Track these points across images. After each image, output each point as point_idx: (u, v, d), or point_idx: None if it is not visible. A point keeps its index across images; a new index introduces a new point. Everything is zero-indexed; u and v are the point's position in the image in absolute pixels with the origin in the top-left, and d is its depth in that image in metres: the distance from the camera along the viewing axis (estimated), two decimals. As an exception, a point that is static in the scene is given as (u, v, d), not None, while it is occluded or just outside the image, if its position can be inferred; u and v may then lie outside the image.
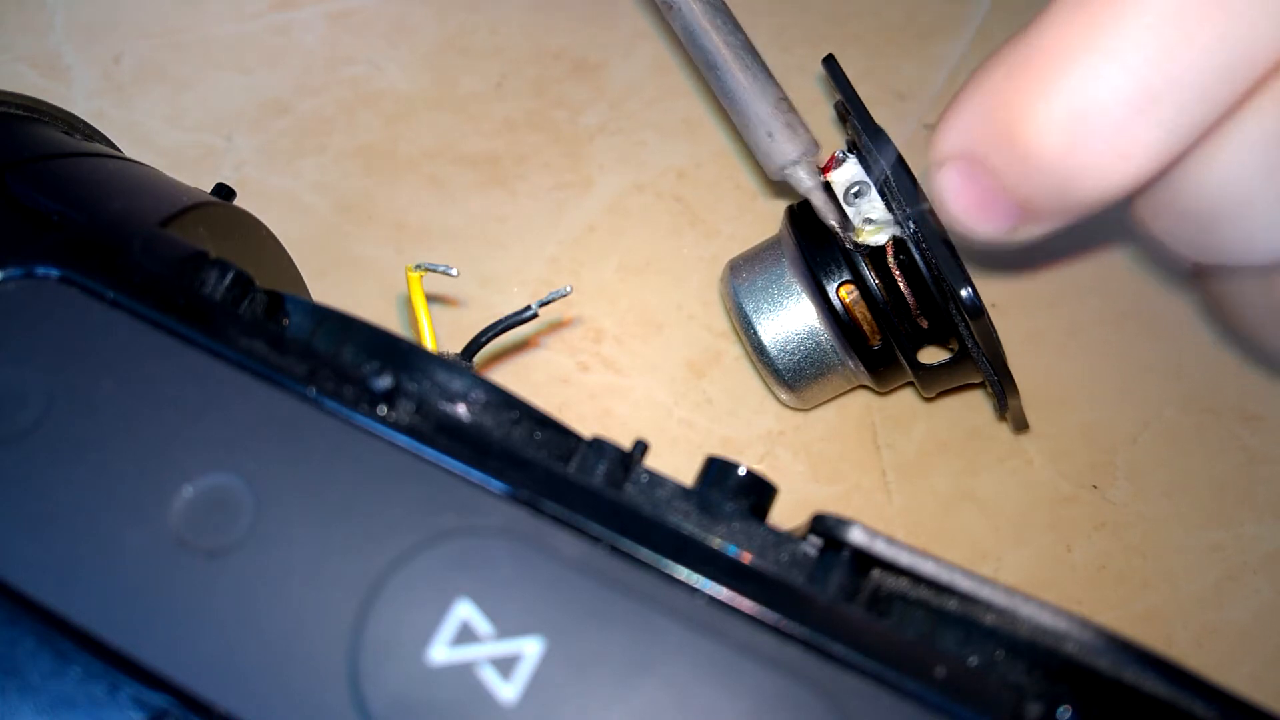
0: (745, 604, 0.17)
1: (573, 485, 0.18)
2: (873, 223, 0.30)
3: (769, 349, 0.32)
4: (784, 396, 0.33)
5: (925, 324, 0.30)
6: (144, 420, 0.18)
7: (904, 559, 0.18)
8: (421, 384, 0.19)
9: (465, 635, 0.16)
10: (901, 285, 0.30)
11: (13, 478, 0.17)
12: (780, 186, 0.37)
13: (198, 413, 0.18)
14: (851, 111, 0.30)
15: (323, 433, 0.18)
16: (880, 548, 0.18)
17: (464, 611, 0.16)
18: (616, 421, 0.34)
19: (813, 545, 0.19)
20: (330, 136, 0.38)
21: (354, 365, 0.19)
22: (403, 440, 0.18)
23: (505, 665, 0.16)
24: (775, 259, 0.32)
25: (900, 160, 0.29)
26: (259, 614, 0.16)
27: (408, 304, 0.31)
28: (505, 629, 0.16)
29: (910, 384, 0.33)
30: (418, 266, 0.28)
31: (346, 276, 0.35)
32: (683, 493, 0.19)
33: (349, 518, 0.17)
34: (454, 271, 0.28)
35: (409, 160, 0.37)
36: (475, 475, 0.18)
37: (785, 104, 0.31)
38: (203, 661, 0.16)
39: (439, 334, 0.28)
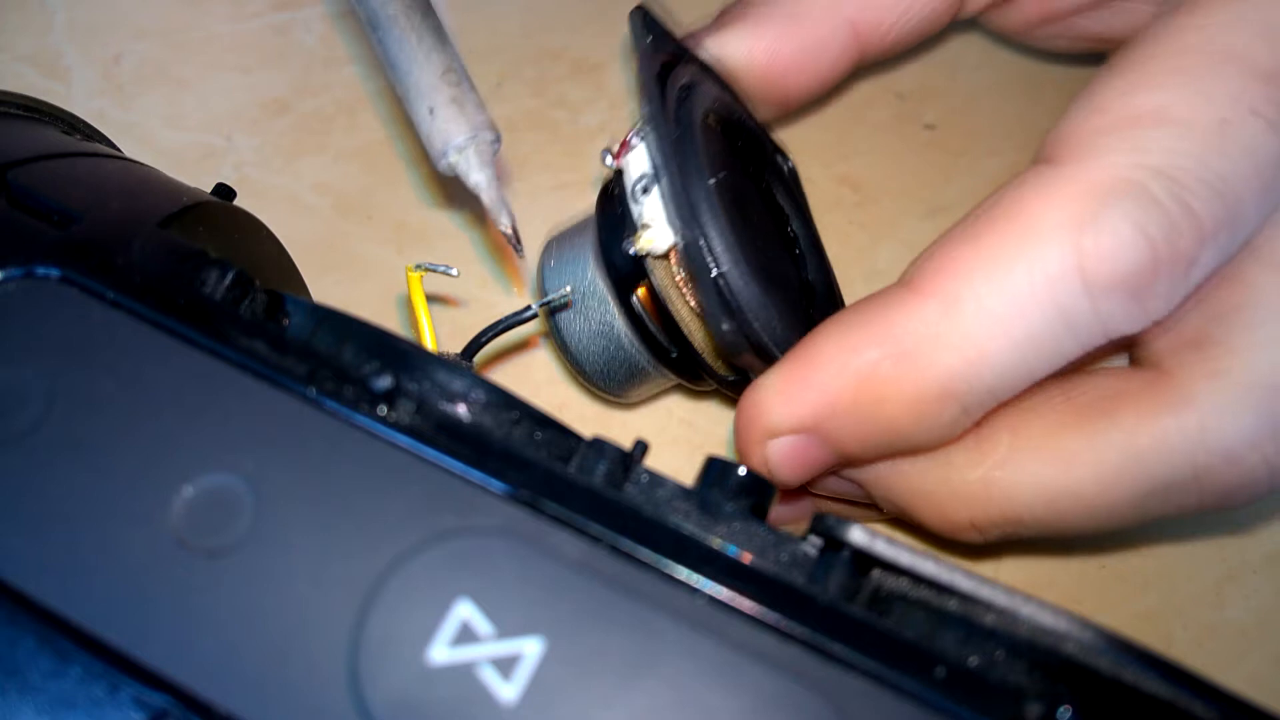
0: (745, 604, 0.17)
1: (573, 485, 0.18)
2: (650, 228, 0.25)
3: (571, 348, 0.29)
4: (600, 394, 0.30)
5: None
6: (144, 420, 0.18)
7: (904, 559, 0.18)
8: (421, 384, 0.19)
9: (465, 635, 0.16)
10: (688, 295, 0.25)
11: (13, 478, 0.17)
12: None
13: (198, 413, 0.18)
14: (640, 83, 0.24)
15: (323, 433, 0.18)
16: (880, 548, 0.18)
17: (464, 611, 0.16)
18: (616, 421, 0.34)
19: (813, 545, 0.19)
20: (330, 136, 0.38)
21: (354, 365, 0.19)
22: (403, 440, 0.18)
23: (505, 665, 0.16)
24: (583, 247, 0.28)
25: (686, 151, 0.23)
26: (259, 614, 0.16)
27: (408, 304, 0.31)
28: (505, 629, 0.16)
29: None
30: (418, 266, 0.28)
31: (346, 276, 0.35)
32: (683, 493, 0.19)
33: (349, 518, 0.17)
34: (454, 271, 0.28)
35: (409, 160, 0.37)
36: (475, 475, 0.18)
37: (455, 75, 0.25)
38: (203, 661, 0.16)
39: (439, 334, 0.28)
